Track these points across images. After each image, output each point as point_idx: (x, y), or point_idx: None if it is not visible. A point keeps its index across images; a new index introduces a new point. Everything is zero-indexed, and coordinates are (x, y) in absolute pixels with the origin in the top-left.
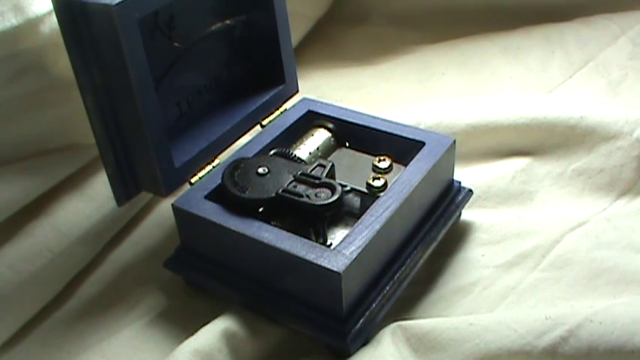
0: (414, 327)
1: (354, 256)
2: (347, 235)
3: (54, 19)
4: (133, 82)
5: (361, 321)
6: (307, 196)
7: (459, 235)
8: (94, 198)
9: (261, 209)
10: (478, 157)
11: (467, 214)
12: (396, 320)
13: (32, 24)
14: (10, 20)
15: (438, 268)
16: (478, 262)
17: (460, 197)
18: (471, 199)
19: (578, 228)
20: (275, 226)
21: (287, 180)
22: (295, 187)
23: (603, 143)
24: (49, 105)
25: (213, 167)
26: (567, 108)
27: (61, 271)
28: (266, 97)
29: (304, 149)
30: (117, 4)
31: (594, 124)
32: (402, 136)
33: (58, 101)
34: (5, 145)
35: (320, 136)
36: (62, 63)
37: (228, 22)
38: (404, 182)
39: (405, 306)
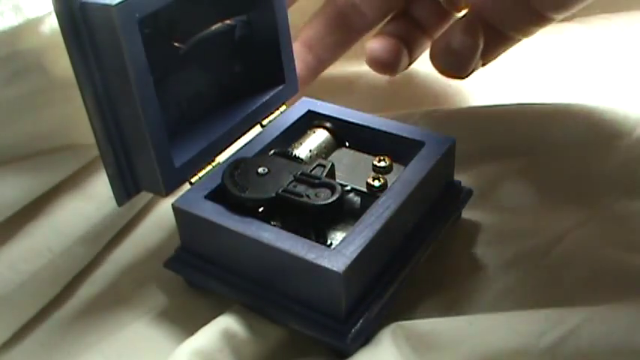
0: (414, 327)
1: (354, 256)
2: (347, 235)
3: (54, 19)
4: (133, 83)
5: (361, 321)
6: (307, 196)
7: (459, 235)
8: (94, 198)
9: (261, 209)
10: (478, 156)
11: (467, 214)
12: (396, 320)
13: (32, 24)
14: (10, 20)
15: (438, 267)
16: (478, 262)
17: (460, 197)
18: (471, 199)
19: (578, 228)
20: (275, 225)
21: (287, 180)
22: (295, 186)
23: (603, 143)
24: (49, 105)
25: (213, 167)
26: (567, 108)
27: (61, 271)
28: (266, 97)
29: (304, 149)
30: (117, 5)
31: (594, 124)
32: (401, 136)
33: (58, 101)
34: (5, 145)
35: (320, 136)
36: (62, 63)
37: (228, 22)
38: (404, 182)
39: (405, 306)
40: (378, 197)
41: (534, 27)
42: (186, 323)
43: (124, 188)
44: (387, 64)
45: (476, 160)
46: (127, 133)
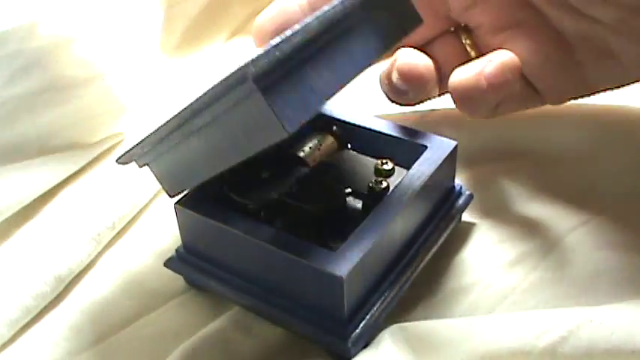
0: (414, 328)
1: (356, 260)
2: (349, 239)
3: (54, 18)
4: None
5: (362, 324)
6: (309, 199)
7: (459, 236)
8: (95, 197)
9: (262, 211)
10: (479, 157)
11: (467, 215)
12: (395, 321)
13: (33, 23)
14: (11, 20)
15: (438, 268)
16: (478, 263)
17: (461, 201)
18: (472, 200)
19: (578, 228)
20: (277, 228)
21: (289, 182)
22: (297, 189)
23: (604, 143)
24: (49, 105)
25: None
26: (567, 108)
27: (60, 271)
28: None
29: (306, 151)
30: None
31: (595, 124)
32: (404, 139)
33: (58, 101)
34: (5, 145)
35: (322, 138)
36: (62, 63)
37: None
38: (406, 186)
39: (406, 307)
40: (380, 201)
41: (576, 97)
42: (186, 323)
43: None
44: (420, 77)
45: (476, 160)
46: None
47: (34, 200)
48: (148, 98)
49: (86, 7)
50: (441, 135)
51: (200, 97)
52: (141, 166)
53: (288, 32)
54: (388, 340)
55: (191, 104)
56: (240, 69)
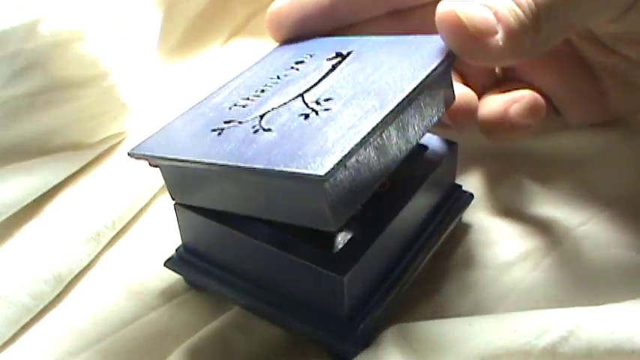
0: (414, 329)
1: (356, 261)
2: (350, 240)
3: (55, 18)
4: None
5: (363, 325)
6: None
7: (459, 236)
8: (94, 198)
9: None
10: (479, 157)
11: (468, 215)
12: (396, 322)
13: (33, 23)
14: (11, 19)
15: (438, 268)
16: (478, 263)
17: (461, 201)
18: (472, 200)
19: (578, 228)
20: (277, 228)
21: None
22: None
23: (605, 144)
24: (49, 105)
25: None
26: None
27: (61, 271)
28: None
29: None
30: None
31: (597, 124)
32: None
33: (58, 101)
34: (6, 145)
35: None
36: (62, 63)
37: None
38: (406, 186)
39: (406, 307)
40: (380, 201)
41: (597, 123)
42: (186, 323)
43: None
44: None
45: (476, 160)
46: None
47: (34, 200)
48: (148, 98)
49: (87, 7)
50: (441, 135)
51: (261, 169)
52: (152, 166)
53: (363, 132)
54: (388, 340)
55: (252, 167)
56: (316, 177)
